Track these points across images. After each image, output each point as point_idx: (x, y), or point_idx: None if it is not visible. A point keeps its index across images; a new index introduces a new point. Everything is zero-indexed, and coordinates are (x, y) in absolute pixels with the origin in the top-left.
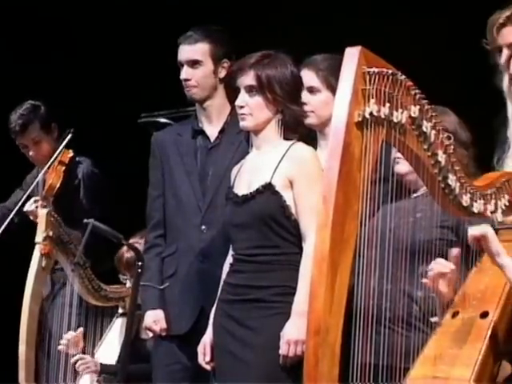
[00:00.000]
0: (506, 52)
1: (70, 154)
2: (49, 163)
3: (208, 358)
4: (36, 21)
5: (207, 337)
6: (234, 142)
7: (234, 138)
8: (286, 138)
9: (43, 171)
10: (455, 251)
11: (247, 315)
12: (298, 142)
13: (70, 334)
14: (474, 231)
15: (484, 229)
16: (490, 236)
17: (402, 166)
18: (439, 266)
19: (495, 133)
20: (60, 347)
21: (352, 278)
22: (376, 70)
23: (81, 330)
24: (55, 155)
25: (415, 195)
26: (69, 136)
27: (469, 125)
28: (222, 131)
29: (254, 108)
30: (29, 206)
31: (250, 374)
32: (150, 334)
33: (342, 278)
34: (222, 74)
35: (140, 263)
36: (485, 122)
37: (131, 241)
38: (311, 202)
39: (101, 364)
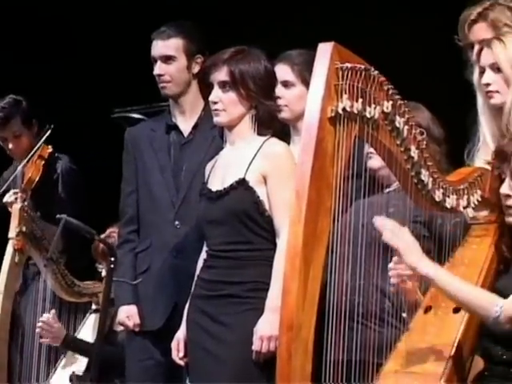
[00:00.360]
0: (477, 47)
1: (50, 149)
2: (28, 157)
3: (181, 354)
4: (12, 19)
5: (181, 332)
6: (208, 137)
7: (207, 134)
8: (259, 134)
9: (22, 164)
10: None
11: (221, 311)
12: (271, 137)
13: (46, 317)
14: (389, 239)
15: (399, 242)
16: (402, 250)
17: (375, 161)
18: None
19: (468, 129)
20: (38, 330)
21: (325, 273)
22: (349, 65)
23: (53, 311)
24: (35, 149)
25: (388, 190)
26: (48, 132)
27: (441, 121)
28: (195, 127)
29: (227, 104)
30: (8, 198)
31: (223, 370)
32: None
33: (314, 274)
34: (196, 69)
35: (113, 259)
36: (457, 119)
37: (109, 230)
38: (285, 198)
39: (73, 338)
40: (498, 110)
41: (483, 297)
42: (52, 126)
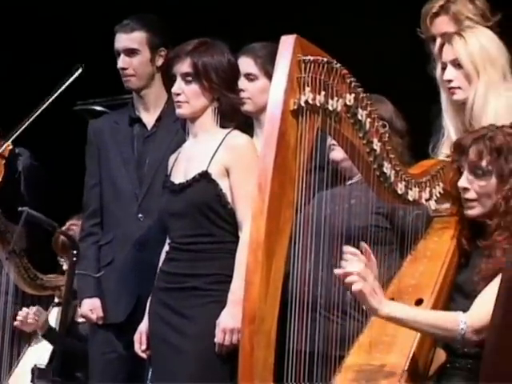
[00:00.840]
0: (439, 41)
1: (10, 146)
2: None
3: (144, 347)
4: None
5: (143, 325)
6: (171, 130)
7: (170, 127)
8: (222, 126)
9: None
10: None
11: (183, 304)
12: (234, 129)
13: (25, 311)
14: (355, 285)
15: (364, 286)
16: (367, 294)
17: (337, 153)
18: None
19: (432, 122)
20: (16, 323)
21: (287, 265)
22: (311, 58)
23: (37, 307)
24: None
25: (350, 182)
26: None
27: (404, 114)
28: (158, 119)
29: (190, 95)
30: None
31: (185, 363)
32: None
33: (277, 266)
34: (159, 62)
35: (75, 252)
36: (421, 111)
37: (69, 223)
38: (247, 191)
39: (53, 329)
40: (461, 105)
41: (446, 319)
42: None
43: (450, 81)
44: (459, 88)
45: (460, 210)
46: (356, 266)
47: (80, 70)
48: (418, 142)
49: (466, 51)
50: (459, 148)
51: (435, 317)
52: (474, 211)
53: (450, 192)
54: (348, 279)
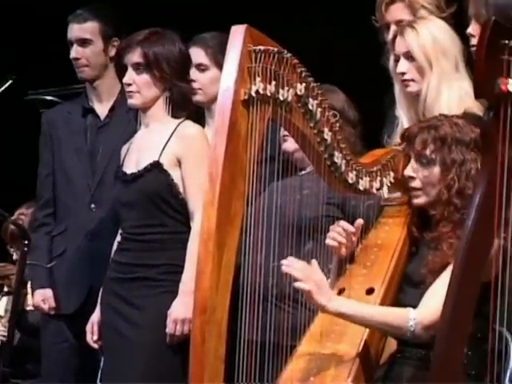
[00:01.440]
0: (393, 28)
1: None
2: None
3: (96, 337)
4: None
5: (95, 315)
6: (124, 120)
7: (123, 117)
8: (174, 116)
9: None
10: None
11: (134, 294)
12: (186, 120)
13: None
14: (299, 283)
15: (309, 284)
16: (313, 292)
17: (290, 144)
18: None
19: (385, 112)
20: None
21: (239, 256)
22: (262, 48)
23: None
24: None
25: (303, 173)
26: None
27: (356, 103)
28: (111, 110)
29: (141, 86)
30: None
31: (137, 353)
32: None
33: (228, 257)
34: (112, 52)
35: (26, 242)
36: (373, 101)
37: (17, 212)
38: (199, 181)
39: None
40: (414, 97)
41: (396, 315)
42: None
43: (403, 73)
44: (412, 80)
45: (410, 199)
46: (299, 266)
47: (10, 82)
48: (371, 131)
49: (418, 43)
50: (406, 137)
51: (384, 313)
52: (420, 200)
53: (400, 180)
54: (290, 271)
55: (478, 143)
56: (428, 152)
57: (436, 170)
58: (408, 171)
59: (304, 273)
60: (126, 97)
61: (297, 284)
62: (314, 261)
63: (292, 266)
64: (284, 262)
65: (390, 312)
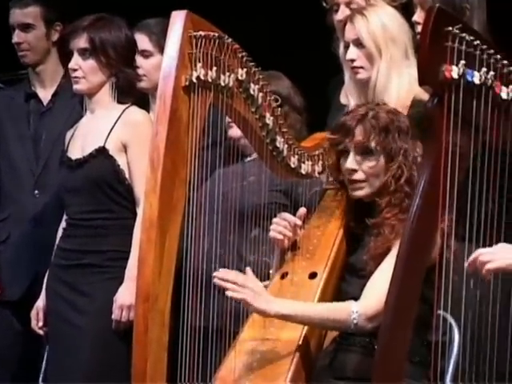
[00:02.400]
0: (343, 9)
1: None
2: None
3: (41, 323)
4: None
5: (40, 302)
6: (68, 105)
7: (67, 102)
8: (120, 102)
9: None
10: (302, 211)
11: (80, 280)
12: (132, 105)
13: None
14: (232, 293)
15: (243, 293)
16: (249, 300)
17: (235, 130)
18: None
19: (329, 97)
20: None
21: (183, 243)
22: (202, 33)
23: None
24: None
25: (248, 159)
26: None
27: (302, 90)
28: (55, 95)
29: (87, 71)
30: None
31: (82, 340)
32: None
33: (170, 244)
34: (55, 37)
35: None
36: (318, 87)
37: None
38: (144, 167)
39: None
40: (364, 84)
41: (337, 310)
42: None
43: (352, 60)
44: (362, 67)
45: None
46: (232, 276)
47: None
48: (318, 118)
49: (368, 30)
50: (343, 129)
51: (326, 309)
52: (362, 192)
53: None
54: (227, 292)
55: (411, 129)
56: (372, 143)
57: (381, 160)
58: (350, 164)
59: (238, 282)
60: (69, 82)
61: (231, 294)
62: (248, 269)
63: (224, 277)
64: (216, 273)
65: (332, 307)
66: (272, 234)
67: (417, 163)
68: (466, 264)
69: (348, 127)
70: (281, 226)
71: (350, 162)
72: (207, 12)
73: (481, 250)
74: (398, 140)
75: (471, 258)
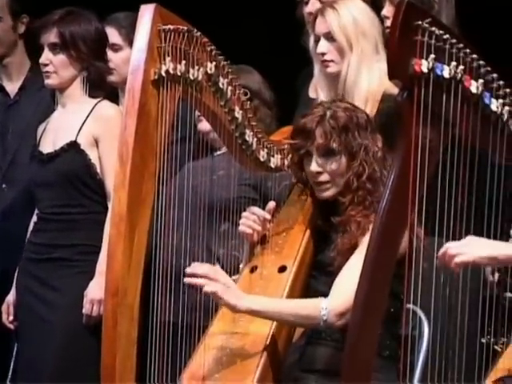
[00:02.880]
0: (313, 2)
1: None
2: None
3: (11, 318)
4: None
5: (11, 296)
6: (35, 98)
7: (34, 95)
8: (91, 96)
9: None
10: (271, 205)
11: (50, 274)
12: (103, 100)
13: None
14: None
15: (215, 287)
16: (220, 294)
17: (204, 124)
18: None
19: (298, 92)
20: None
21: (152, 237)
22: (171, 27)
23: None
24: None
25: (217, 153)
26: None
27: (272, 84)
28: (22, 88)
29: (58, 66)
30: None
31: (52, 334)
32: None
33: (139, 239)
34: (22, 29)
35: None
36: (287, 82)
37: None
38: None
39: None
40: (334, 78)
41: (307, 306)
42: None
43: (323, 54)
44: (332, 61)
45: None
46: (203, 269)
47: None
48: (287, 112)
49: (339, 24)
50: (303, 133)
51: (296, 306)
52: (329, 192)
53: None
54: (196, 281)
55: (371, 123)
56: (333, 144)
57: (343, 159)
58: (314, 167)
59: (209, 275)
60: (36, 75)
61: (204, 288)
62: (217, 265)
63: (195, 271)
64: (187, 270)
65: (302, 304)
66: (241, 228)
67: (377, 158)
68: (435, 258)
69: (308, 130)
70: (250, 220)
71: (314, 165)
72: (174, 5)
73: (450, 244)
74: (358, 137)
75: (441, 252)
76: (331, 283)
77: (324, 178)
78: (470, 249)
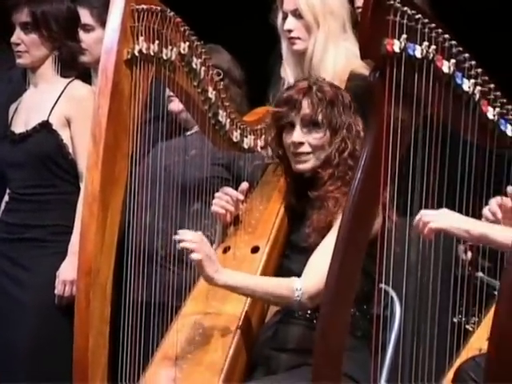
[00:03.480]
0: None
1: None
2: None
3: None
4: None
5: None
6: (4, 78)
7: (3, 75)
8: (63, 76)
9: None
10: (244, 186)
11: (22, 254)
12: (75, 80)
13: None
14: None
15: (200, 254)
16: (203, 261)
17: (175, 104)
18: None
19: (270, 70)
20: None
21: (124, 217)
22: (144, 6)
23: None
24: None
25: (189, 133)
26: None
27: (241, 63)
28: None
29: (29, 45)
30: None
31: (25, 314)
32: None
33: (112, 218)
34: None
35: None
36: (258, 60)
37: None
38: (88, 141)
39: None
40: (301, 55)
41: (281, 286)
42: None
43: (290, 31)
44: (299, 38)
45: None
46: (192, 235)
47: None
48: (258, 91)
49: (307, 2)
50: (289, 102)
51: (270, 285)
52: (308, 164)
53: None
54: (184, 245)
55: (353, 104)
56: (319, 116)
57: (326, 133)
58: (297, 137)
59: (196, 243)
60: (5, 54)
61: (191, 255)
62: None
63: (184, 237)
64: (177, 237)
65: (277, 282)
66: (214, 208)
67: (359, 137)
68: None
69: (295, 100)
70: (223, 200)
71: (297, 134)
72: None
73: (424, 211)
74: (342, 114)
75: (416, 219)
76: (304, 262)
77: (305, 148)
78: (445, 217)
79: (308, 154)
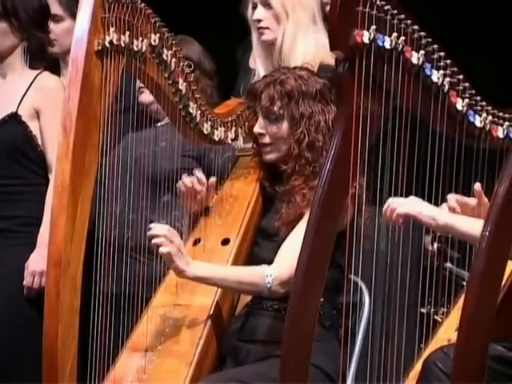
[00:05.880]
0: None
1: None
2: None
3: None
4: None
5: None
6: None
7: None
8: (32, 67)
9: None
10: (213, 180)
11: None
12: (44, 71)
13: None
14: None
15: (170, 247)
16: (173, 254)
17: (146, 96)
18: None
19: (239, 61)
20: None
21: (94, 208)
22: None
23: None
24: None
25: (160, 124)
26: None
27: (212, 54)
28: None
29: None
30: None
31: None
32: None
33: (82, 209)
34: None
35: None
36: (228, 52)
37: None
38: (57, 133)
39: None
40: (270, 46)
41: (252, 273)
42: None
43: (259, 20)
44: (268, 28)
45: (261, 155)
46: (162, 229)
47: None
48: (229, 82)
49: None
50: (252, 93)
51: (242, 273)
52: (271, 156)
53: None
54: (155, 240)
55: (323, 94)
56: (275, 108)
57: (285, 125)
58: (257, 128)
59: (167, 235)
60: None
61: (160, 249)
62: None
63: (156, 232)
64: (149, 232)
65: (247, 271)
66: (180, 184)
67: (321, 128)
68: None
69: (256, 91)
70: (187, 180)
71: (258, 126)
72: None
73: (393, 199)
74: (301, 105)
75: (385, 206)
76: (275, 250)
77: (266, 140)
78: (413, 204)
79: (269, 145)
